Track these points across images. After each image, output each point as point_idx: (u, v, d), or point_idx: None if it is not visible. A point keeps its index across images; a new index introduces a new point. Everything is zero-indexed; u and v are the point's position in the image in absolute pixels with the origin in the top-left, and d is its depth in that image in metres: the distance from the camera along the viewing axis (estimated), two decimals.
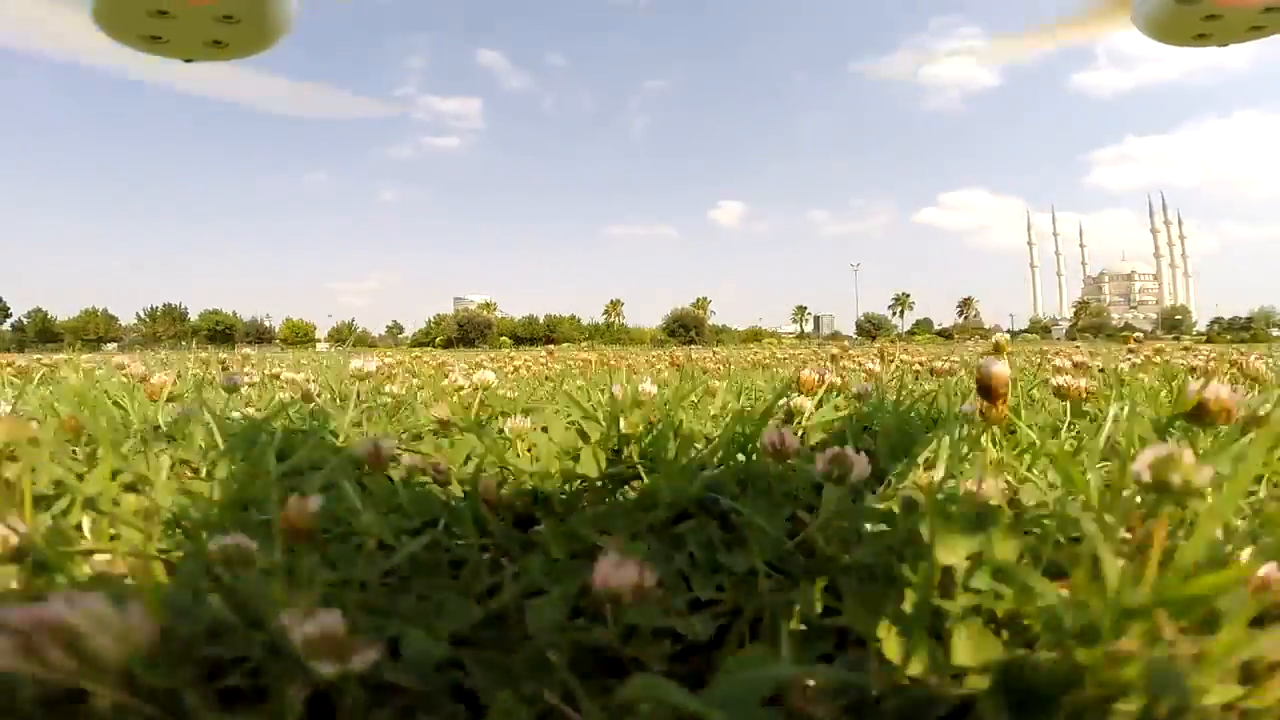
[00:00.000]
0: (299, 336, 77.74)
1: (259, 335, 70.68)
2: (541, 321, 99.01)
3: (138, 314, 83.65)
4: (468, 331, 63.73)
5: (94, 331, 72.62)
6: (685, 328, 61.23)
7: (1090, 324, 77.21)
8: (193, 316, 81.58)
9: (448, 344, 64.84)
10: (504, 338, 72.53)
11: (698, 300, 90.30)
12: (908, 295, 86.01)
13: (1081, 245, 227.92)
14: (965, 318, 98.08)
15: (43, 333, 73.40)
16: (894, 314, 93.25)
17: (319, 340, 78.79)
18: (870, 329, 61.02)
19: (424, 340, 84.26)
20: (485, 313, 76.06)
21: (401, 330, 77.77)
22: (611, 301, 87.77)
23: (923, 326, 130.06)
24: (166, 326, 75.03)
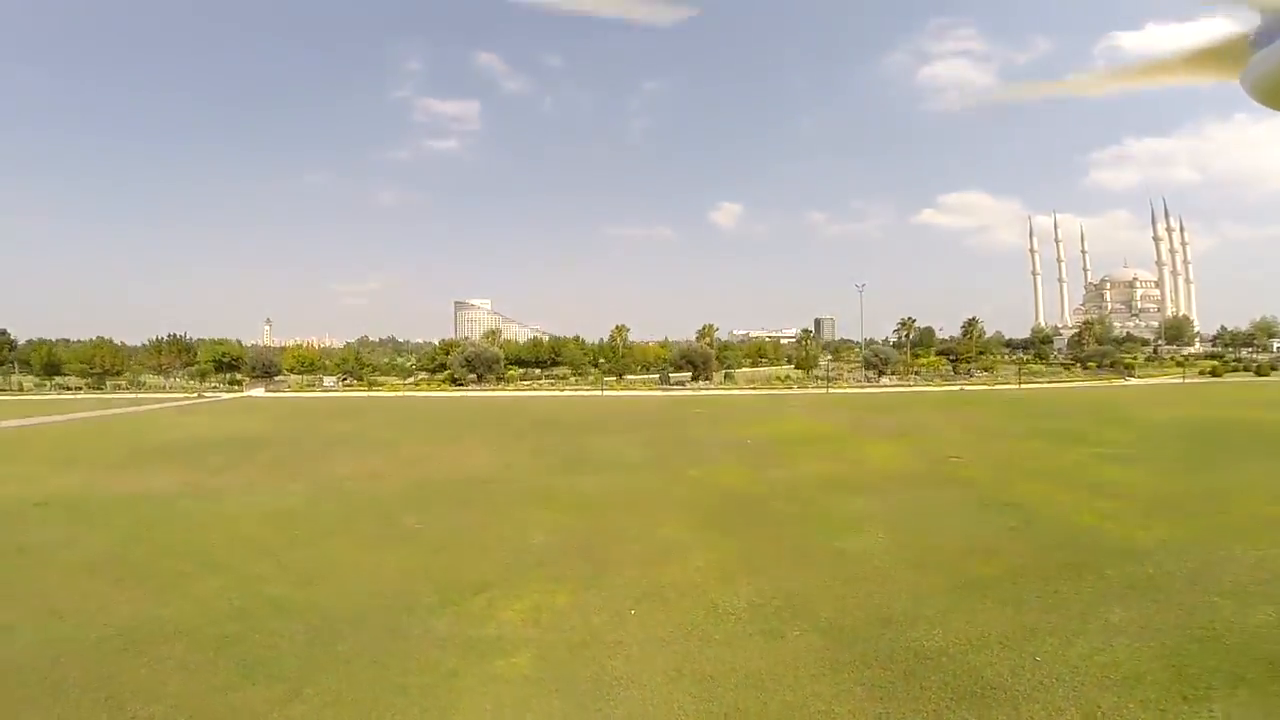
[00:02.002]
0: (305, 367, 77.81)
1: (265, 369, 70.77)
2: (546, 343, 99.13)
3: (143, 343, 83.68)
4: (475, 367, 63.82)
5: (100, 364, 72.71)
6: (693, 364, 61.34)
7: (1095, 353, 77.02)
8: (195, 332, 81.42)
9: (454, 380, 65.00)
10: (511, 368, 72.55)
11: (703, 329, 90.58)
12: (912, 320, 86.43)
13: (1083, 251, 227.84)
14: (970, 337, 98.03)
15: (49, 366, 73.60)
16: (899, 335, 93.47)
17: (326, 371, 78.75)
18: (878, 364, 61.05)
19: (429, 366, 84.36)
20: (490, 344, 76.19)
21: (410, 366, 77.05)
22: (616, 327, 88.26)
23: (925, 339, 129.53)
24: (173, 359, 75.14)
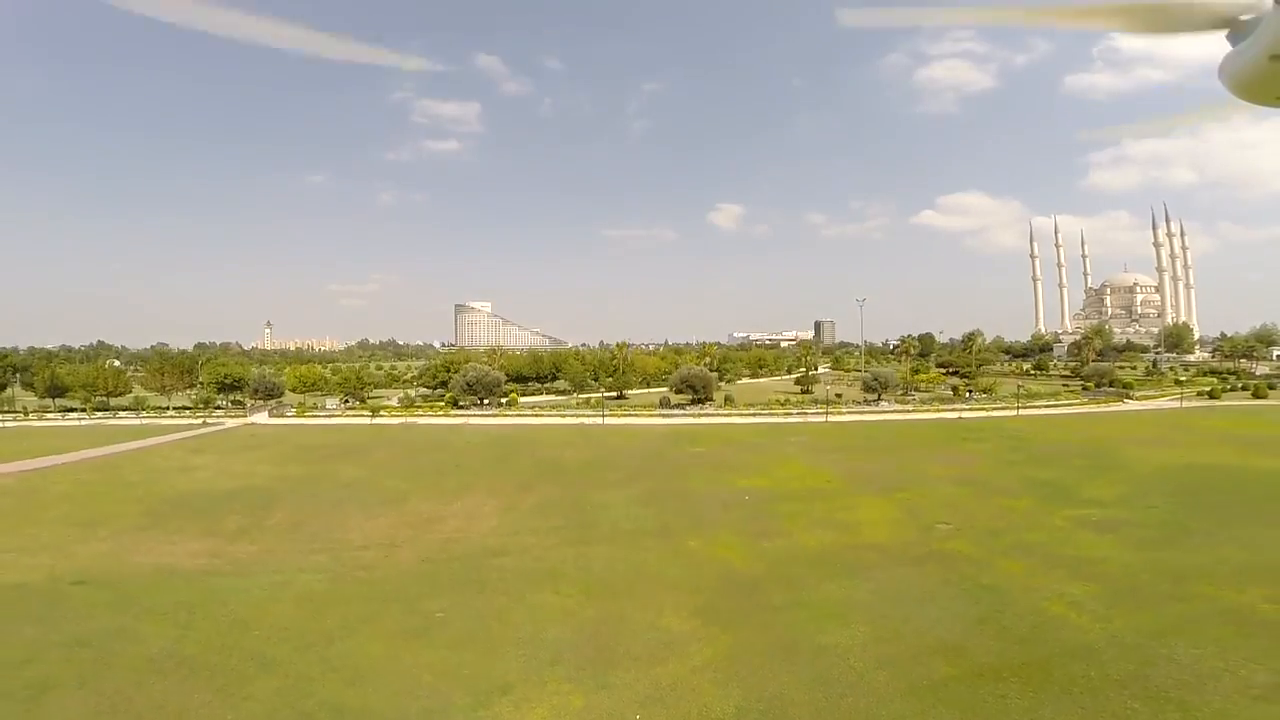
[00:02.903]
0: (307, 386, 79.16)
1: (268, 392, 72.17)
2: (546, 359, 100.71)
3: (145, 348, 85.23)
4: (477, 391, 65.28)
5: (104, 387, 74.06)
6: (693, 387, 62.81)
7: (1094, 371, 78.40)
8: (196, 335, 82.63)
9: (455, 403, 66.42)
10: (512, 389, 73.99)
11: (703, 348, 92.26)
12: (912, 338, 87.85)
13: (1083, 255, 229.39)
14: (970, 351, 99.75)
15: (53, 388, 74.94)
16: (899, 349, 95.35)
17: (328, 386, 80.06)
18: (877, 387, 62.60)
19: (430, 384, 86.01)
20: (491, 364, 77.72)
21: (410, 378, 77.73)
22: (618, 344, 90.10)
23: (926, 346, 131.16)
24: (175, 380, 76.48)
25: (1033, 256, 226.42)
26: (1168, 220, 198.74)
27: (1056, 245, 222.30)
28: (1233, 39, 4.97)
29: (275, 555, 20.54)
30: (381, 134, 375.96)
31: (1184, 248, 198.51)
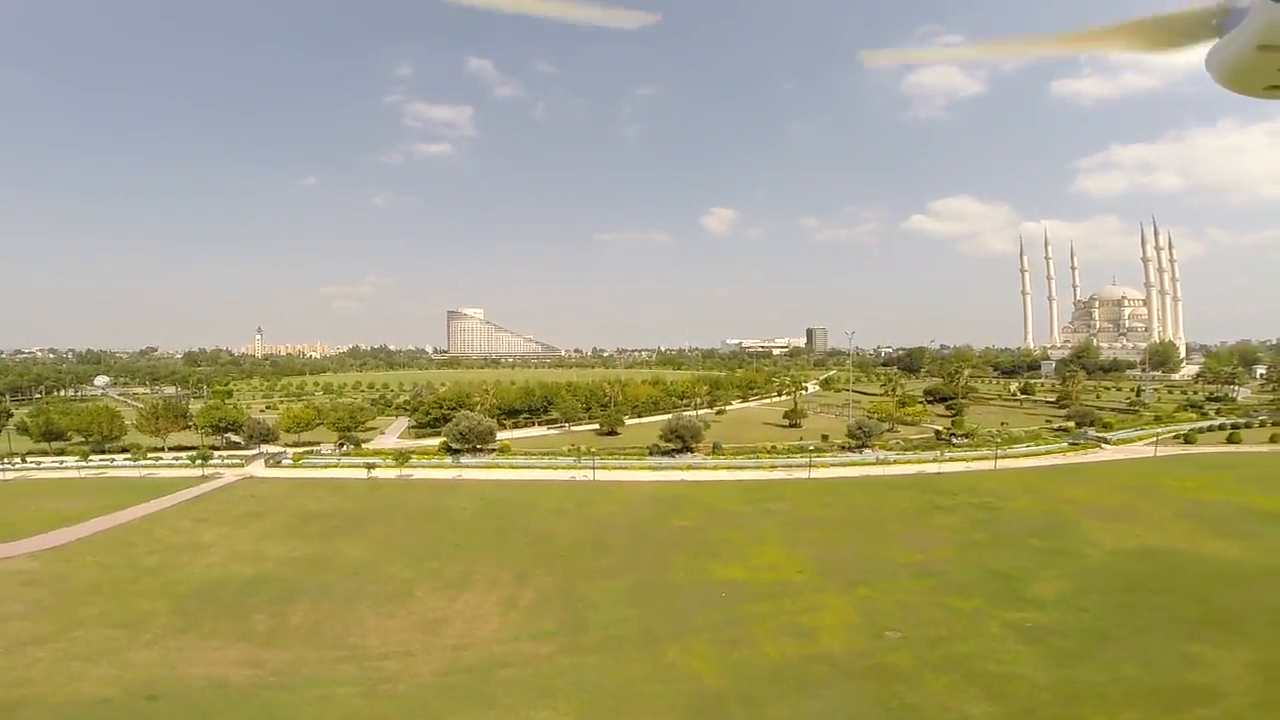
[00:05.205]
0: (301, 426, 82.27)
1: (263, 436, 75.27)
2: (538, 393, 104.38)
3: (135, 352, 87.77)
4: (469, 439, 68.80)
5: (99, 431, 76.95)
6: (682, 437, 66.65)
7: (1076, 413, 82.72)
8: (181, 347, 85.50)
9: (449, 448, 69.87)
10: (502, 437, 77.37)
11: (695, 383, 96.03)
12: (896, 376, 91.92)
13: (1073, 267, 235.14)
14: (957, 383, 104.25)
15: (49, 432, 77.71)
16: (886, 383, 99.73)
17: (323, 418, 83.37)
18: (862, 436, 66.66)
19: (423, 420, 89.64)
20: (482, 404, 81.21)
21: (401, 403, 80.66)
22: (609, 382, 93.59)
23: (916, 360, 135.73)
24: (169, 423, 79.33)
25: (1022, 271, 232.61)
26: (1156, 234, 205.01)
27: (1046, 257, 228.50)
28: (1219, 29, 4.97)
29: (308, 665, 24.07)
30: (374, 137, 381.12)
31: (1172, 260, 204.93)
